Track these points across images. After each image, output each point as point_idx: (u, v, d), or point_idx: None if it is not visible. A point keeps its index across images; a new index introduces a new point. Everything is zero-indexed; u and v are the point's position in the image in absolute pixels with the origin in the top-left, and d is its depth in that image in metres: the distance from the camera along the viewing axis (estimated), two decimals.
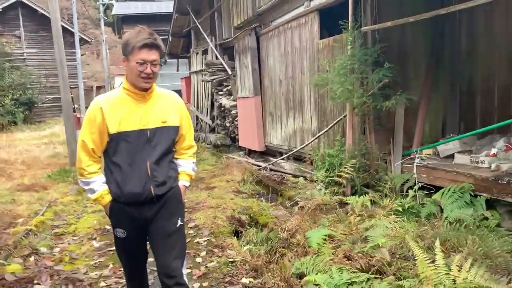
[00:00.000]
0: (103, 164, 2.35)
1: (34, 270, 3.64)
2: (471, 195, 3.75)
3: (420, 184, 4.30)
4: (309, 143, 5.90)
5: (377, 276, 2.80)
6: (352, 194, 4.62)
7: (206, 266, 3.60)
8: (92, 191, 2.28)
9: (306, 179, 5.62)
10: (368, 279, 2.71)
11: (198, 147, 10.42)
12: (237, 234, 4.46)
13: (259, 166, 7.15)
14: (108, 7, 35.02)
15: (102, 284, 3.45)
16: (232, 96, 9.01)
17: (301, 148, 6.18)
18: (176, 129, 2.34)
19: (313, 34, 5.79)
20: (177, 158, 2.47)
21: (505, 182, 3.50)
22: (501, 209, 3.63)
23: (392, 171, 4.68)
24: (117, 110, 2.21)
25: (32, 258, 3.91)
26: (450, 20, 5.17)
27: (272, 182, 5.94)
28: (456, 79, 5.16)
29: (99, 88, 35.01)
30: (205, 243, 4.16)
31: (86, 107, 23.13)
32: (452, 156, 4.47)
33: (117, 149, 2.23)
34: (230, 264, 3.56)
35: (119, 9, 30.95)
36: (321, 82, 4.95)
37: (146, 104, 2.25)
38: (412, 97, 4.52)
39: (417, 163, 4.45)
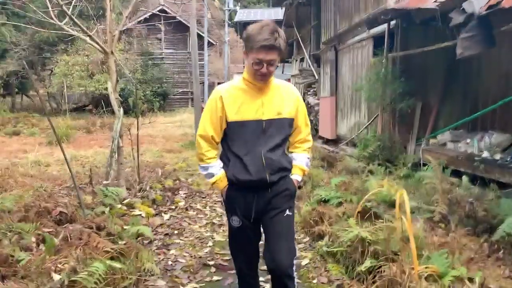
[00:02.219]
0: (220, 150, 2.44)
1: (178, 185, 6.64)
2: (444, 167, 5.74)
3: (422, 161, 6.35)
4: (360, 132, 8.15)
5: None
6: (378, 165, 6.82)
7: None
8: (211, 175, 2.37)
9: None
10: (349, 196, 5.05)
11: None
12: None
13: (328, 150, 9.53)
14: (232, 12, 39.40)
15: (214, 196, 6.25)
16: (317, 96, 11.47)
17: (356, 136, 8.44)
18: (290, 121, 2.37)
19: (369, 54, 8.00)
20: (292, 152, 2.49)
21: (473, 163, 5.37)
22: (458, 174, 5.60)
23: (408, 153, 6.76)
24: (236, 99, 2.28)
25: (177, 181, 6.93)
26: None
27: (331, 159, 8.30)
28: (467, 91, 6.97)
29: (219, 84, 39.68)
30: None
31: None
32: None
33: (234, 137, 2.30)
34: None
35: (241, 15, 34.93)
36: (359, 88, 7.23)
37: (264, 95, 2.29)
38: (416, 101, 6.58)
39: (422, 147, 6.49)
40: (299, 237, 4.45)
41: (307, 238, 4.43)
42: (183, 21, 25.99)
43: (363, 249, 3.53)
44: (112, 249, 3.27)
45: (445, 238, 3.71)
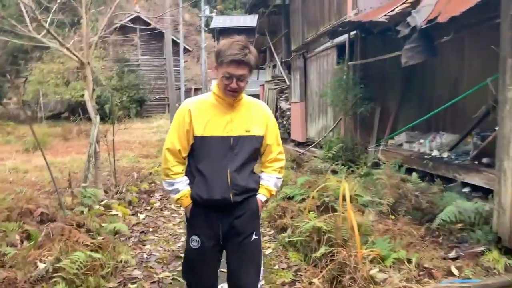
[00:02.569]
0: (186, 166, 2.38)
1: (154, 188, 6.98)
2: (399, 165, 6.26)
3: (380, 161, 6.86)
4: (326, 135, 8.66)
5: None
6: (342, 165, 7.31)
7: None
8: (176, 191, 2.30)
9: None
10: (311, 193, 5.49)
11: None
12: None
13: (299, 152, 10.01)
14: (208, 21, 39.87)
15: None
16: (288, 101, 11.96)
17: (322, 138, 8.95)
18: (259, 139, 2.32)
19: (333, 62, 8.52)
20: (262, 171, 2.44)
21: (423, 161, 5.90)
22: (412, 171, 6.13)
23: (369, 153, 7.28)
24: (204, 113, 2.24)
25: (152, 184, 7.26)
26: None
27: (300, 160, 8.77)
28: (422, 96, 7.55)
29: (196, 90, 39.96)
30: None
31: None
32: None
33: (200, 153, 2.25)
34: None
35: (217, 21, 35.39)
36: (323, 94, 7.73)
37: (233, 112, 2.26)
38: (375, 106, 7.12)
39: (381, 148, 7.01)
40: (264, 231, 4.87)
41: (272, 231, 4.87)
42: (158, 27, 26.32)
43: (318, 238, 3.97)
44: (91, 243, 3.63)
45: (389, 226, 4.18)
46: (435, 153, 5.97)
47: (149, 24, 29.15)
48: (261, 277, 2.43)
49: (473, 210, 4.06)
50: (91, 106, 5.54)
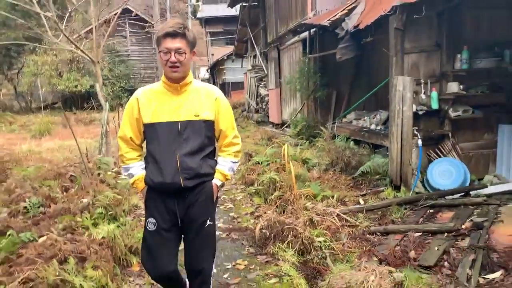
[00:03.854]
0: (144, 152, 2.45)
1: None
2: (347, 138, 7.89)
3: (336, 135, 8.49)
4: (295, 116, 10.28)
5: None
6: (305, 140, 8.94)
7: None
8: (131, 175, 2.39)
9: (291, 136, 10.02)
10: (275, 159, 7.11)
11: (246, 123, 15.20)
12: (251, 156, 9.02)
13: (274, 131, 11.64)
14: (195, 8, 40.96)
15: None
16: (266, 88, 13.53)
17: (291, 119, 10.57)
18: (210, 123, 2.33)
19: (299, 54, 10.09)
20: (218, 155, 2.48)
21: (362, 132, 7.60)
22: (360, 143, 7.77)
23: (326, 129, 8.91)
24: (152, 101, 2.29)
25: None
26: (368, 49, 9.17)
27: (273, 138, 10.39)
28: (369, 81, 9.14)
29: None
30: None
31: None
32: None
33: (151, 139, 2.31)
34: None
35: (204, 11, 36.53)
36: (289, 82, 9.33)
37: (180, 97, 2.28)
38: (330, 91, 8.74)
39: (336, 125, 8.64)
40: (239, 188, 6.49)
41: (243, 186, 6.49)
42: (147, 19, 27.62)
43: (274, 186, 5.59)
44: (113, 191, 5.22)
45: (322, 176, 5.84)
46: (372, 127, 7.61)
47: (137, 15, 30.51)
48: (213, 264, 2.55)
49: (381, 163, 5.72)
50: (101, 95, 7.05)
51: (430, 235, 3.98)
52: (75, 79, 25.01)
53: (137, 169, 2.40)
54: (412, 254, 3.70)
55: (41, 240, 3.81)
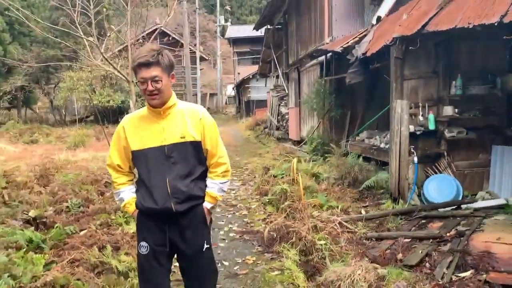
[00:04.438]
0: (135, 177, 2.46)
1: None
2: (358, 155, 8.42)
3: (349, 152, 9.02)
4: (312, 134, 10.87)
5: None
6: (320, 156, 9.51)
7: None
8: (122, 199, 2.41)
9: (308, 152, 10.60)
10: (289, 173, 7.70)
11: (267, 140, 15.85)
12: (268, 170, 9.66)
13: (292, 148, 12.24)
14: (224, 28, 42.45)
15: None
16: (287, 106, 14.20)
17: (309, 138, 11.17)
18: (196, 144, 2.31)
19: (317, 75, 10.73)
20: (208, 178, 2.43)
21: (371, 150, 8.13)
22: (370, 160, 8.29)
23: (340, 147, 9.46)
24: (137, 128, 2.30)
25: None
26: (377, 74, 9.72)
27: (291, 154, 10.99)
28: (381, 103, 9.67)
29: (212, 95, 42.56)
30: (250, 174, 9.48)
31: None
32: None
33: (140, 165, 2.32)
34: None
35: (231, 32, 37.83)
36: (305, 102, 9.95)
37: (165, 120, 2.28)
38: (344, 111, 9.31)
39: (349, 143, 9.18)
40: (254, 198, 7.11)
41: (258, 196, 7.11)
42: (176, 37, 28.96)
43: (285, 196, 6.19)
44: None
45: (330, 188, 6.41)
46: (382, 145, 8.13)
47: (169, 35, 31.95)
48: (216, 280, 2.58)
49: (385, 179, 6.25)
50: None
51: (418, 241, 4.49)
52: (107, 95, 26.30)
53: (127, 193, 2.41)
54: (399, 256, 4.22)
55: (82, 232, 4.54)
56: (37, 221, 4.81)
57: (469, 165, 5.76)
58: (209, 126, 2.37)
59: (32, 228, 4.47)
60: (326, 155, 9.33)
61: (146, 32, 31.30)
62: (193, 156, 2.32)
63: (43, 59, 29.46)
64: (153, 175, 2.27)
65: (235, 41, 36.40)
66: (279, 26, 16.24)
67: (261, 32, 33.01)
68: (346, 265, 4.01)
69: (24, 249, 3.71)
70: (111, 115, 26.74)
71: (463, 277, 3.64)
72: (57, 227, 4.50)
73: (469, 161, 5.77)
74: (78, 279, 3.22)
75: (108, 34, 8.71)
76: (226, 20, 46.13)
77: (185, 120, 2.31)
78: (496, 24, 3.79)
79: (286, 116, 14.10)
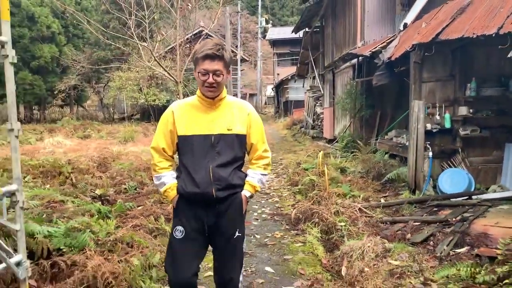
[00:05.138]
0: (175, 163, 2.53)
1: None
2: (385, 152, 8.98)
3: (378, 149, 9.59)
4: (343, 133, 11.47)
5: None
6: (349, 153, 10.13)
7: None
8: (163, 184, 2.45)
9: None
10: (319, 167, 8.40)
11: (303, 138, 16.53)
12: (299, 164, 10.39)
13: (325, 146, 12.87)
14: (265, 29, 43.32)
15: None
16: (322, 106, 14.82)
17: (340, 136, 11.78)
18: (242, 137, 2.42)
19: (350, 77, 11.33)
20: (248, 168, 2.55)
21: (397, 147, 8.68)
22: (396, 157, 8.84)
23: (370, 145, 10.03)
24: (186, 114, 2.38)
25: None
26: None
27: (323, 151, 11.64)
28: (408, 104, 10.15)
29: (251, 95, 43.56)
30: (284, 168, 10.25)
31: None
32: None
33: (184, 150, 2.39)
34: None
35: (272, 33, 38.65)
36: (337, 102, 10.58)
37: (215, 111, 2.38)
38: (374, 111, 9.87)
39: (378, 141, 9.74)
40: (286, 188, 7.86)
41: (289, 186, 7.86)
42: (221, 39, 30.03)
43: (313, 186, 6.91)
44: None
45: (354, 180, 7.07)
46: (407, 143, 8.67)
47: (211, 37, 33.20)
48: (241, 274, 2.65)
49: (405, 172, 6.83)
50: None
51: (426, 224, 5.10)
52: (153, 94, 27.75)
53: (169, 178, 2.45)
54: (408, 236, 4.87)
55: (139, 207, 5.46)
56: (102, 198, 5.80)
57: (482, 161, 6.26)
58: (256, 122, 2.49)
59: (99, 203, 5.44)
60: (355, 151, 9.95)
61: (192, 33, 32.78)
62: (236, 148, 2.41)
63: (95, 59, 31.50)
64: (197, 161, 2.35)
65: (275, 43, 37.21)
66: (316, 29, 16.86)
67: (299, 35, 33.66)
68: (360, 240, 4.71)
69: (96, 217, 4.65)
70: (156, 113, 28.22)
71: (459, 252, 4.25)
72: (119, 202, 5.45)
73: (482, 157, 6.26)
74: (140, 238, 4.10)
75: (159, 39, 9.68)
76: (267, 22, 47.04)
77: (233, 114, 2.42)
78: (493, 35, 4.36)
79: (321, 116, 14.74)
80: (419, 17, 7.71)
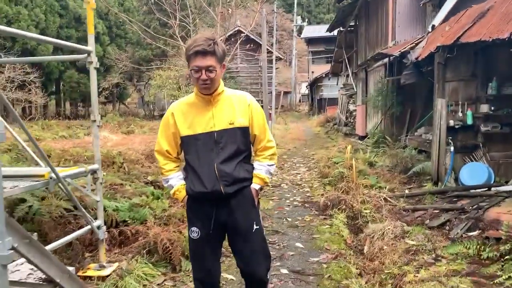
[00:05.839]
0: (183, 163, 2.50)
1: None
2: (414, 148, 9.37)
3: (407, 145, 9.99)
4: (375, 129, 11.89)
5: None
6: (379, 148, 10.56)
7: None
8: (171, 186, 2.46)
9: None
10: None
11: (336, 135, 16.97)
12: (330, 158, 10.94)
13: (357, 142, 13.31)
14: (300, 27, 43.69)
15: None
16: (355, 104, 15.22)
17: (372, 133, 12.20)
18: (244, 130, 2.39)
19: (381, 75, 11.72)
20: (254, 160, 2.52)
21: (425, 143, 9.07)
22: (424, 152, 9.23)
23: (400, 141, 10.43)
24: (187, 114, 2.36)
25: None
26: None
27: (355, 147, 12.11)
28: None
29: (286, 93, 44.06)
30: (316, 163, 10.82)
31: (276, 108, 31.52)
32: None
33: (189, 150, 2.38)
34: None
35: (307, 31, 39.03)
36: (368, 100, 11.01)
37: (214, 107, 2.34)
38: (405, 108, 10.26)
39: (408, 137, 10.13)
40: (316, 179, 8.44)
41: (320, 178, 8.43)
42: (255, 39, 30.79)
43: (342, 177, 7.47)
44: None
45: (381, 173, 7.57)
46: None
47: (248, 36, 33.89)
48: (270, 264, 2.58)
49: (429, 165, 7.27)
50: None
51: (445, 212, 5.58)
52: (191, 92, 28.63)
53: (176, 180, 2.46)
54: (426, 221, 5.38)
55: None
56: (153, 184, 6.59)
57: (504, 156, 6.62)
58: (257, 112, 2.45)
59: (152, 187, 6.22)
60: (384, 147, 10.39)
61: (229, 33, 33.66)
62: (240, 141, 2.38)
63: (136, 58, 32.94)
64: (202, 160, 2.34)
65: (310, 41, 37.59)
66: (350, 29, 17.23)
67: (334, 34, 33.83)
68: (381, 224, 5.27)
69: (151, 197, 5.42)
70: None
71: (471, 235, 4.73)
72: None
73: (503, 152, 6.63)
74: None
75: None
76: (303, 19, 47.32)
77: (234, 107, 2.38)
78: (506, 39, 4.80)
79: (354, 113, 15.16)
80: (446, 19, 8.08)
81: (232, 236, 2.48)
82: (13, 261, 1.81)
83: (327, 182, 7.86)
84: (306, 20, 52.14)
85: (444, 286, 3.55)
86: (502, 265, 3.83)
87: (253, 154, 2.57)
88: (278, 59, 35.74)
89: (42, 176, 2.90)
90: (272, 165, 2.53)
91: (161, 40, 26.23)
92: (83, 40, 29.14)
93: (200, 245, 2.44)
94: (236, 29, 31.85)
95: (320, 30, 36.97)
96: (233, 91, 2.48)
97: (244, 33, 33.35)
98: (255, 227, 2.45)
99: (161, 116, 31.53)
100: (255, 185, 2.46)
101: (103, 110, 37.02)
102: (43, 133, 16.72)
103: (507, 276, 3.60)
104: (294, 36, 41.46)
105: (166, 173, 2.48)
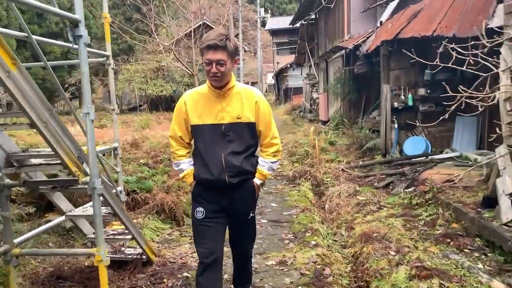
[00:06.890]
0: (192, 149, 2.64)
1: None
2: (369, 128, 10.72)
3: (363, 127, 11.34)
4: (335, 114, 13.23)
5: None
6: (339, 130, 11.89)
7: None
8: (181, 170, 2.61)
9: None
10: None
11: (301, 122, 18.32)
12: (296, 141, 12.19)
13: (321, 127, 14.65)
14: (264, 19, 44.64)
15: None
16: (318, 92, 16.56)
17: (332, 117, 13.55)
18: (251, 125, 2.49)
19: (340, 65, 13.04)
20: (259, 156, 2.64)
21: (377, 124, 10.47)
22: (375, 132, 10.62)
23: (357, 123, 11.79)
24: (198, 104, 2.47)
25: None
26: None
27: (318, 130, 13.42)
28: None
29: (253, 84, 45.13)
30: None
31: None
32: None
33: (198, 139, 2.50)
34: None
35: (271, 23, 40.14)
36: (329, 87, 12.33)
37: (224, 101, 2.44)
38: (360, 95, 11.62)
39: (364, 120, 11.50)
40: (286, 158, 9.66)
41: (289, 157, 9.65)
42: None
43: (307, 155, 8.71)
44: None
45: (338, 149, 8.88)
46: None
47: (211, 27, 34.69)
48: (254, 243, 2.92)
49: (379, 142, 8.62)
50: None
51: (389, 176, 6.91)
52: (160, 85, 29.36)
53: (186, 165, 2.60)
54: (375, 184, 6.68)
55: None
56: (146, 165, 7.60)
57: (438, 131, 8.03)
58: (264, 108, 2.53)
59: (147, 168, 7.24)
60: (343, 128, 11.75)
61: (193, 27, 34.34)
62: (247, 136, 2.49)
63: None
64: (209, 150, 2.45)
65: (274, 32, 38.76)
66: (311, 22, 18.49)
67: (297, 26, 34.97)
68: (338, 186, 6.53)
69: (150, 173, 6.45)
70: (164, 103, 29.95)
71: (408, 191, 6.06)
72: (160, 167, 7.26)
73: (438, 127, 8.03)
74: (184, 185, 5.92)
75: (164, 32, 11.35)
76: (266, 11, 48.22)
77: (242, 102, 2.47)
78: (430, 36, 6.11)
79: (317, 101, 16.51)
80: (392, 15, 9.42)
81: (232, 219, 2.67)
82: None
83: (295, 160, 9.09)
84: (269, 11, 53.08)
85: (383, 224, 4.82)
86: (426, 208, 5.15)
87: (259, 147, 2.69)
88: (244, 50, 36.73)
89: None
90: (275, 162, 2.66)
91: (127, 34, 26.69)
92: (46, 36, 29.17)
93: (204, 224, 2.54)
94: (201, 21, 32.41)
95: (283, 22, 38.15)
96: (243, 86, 2.57)
97: (208, 25, 34.16)
98: (251, 215, 2.70)
99: (129, 110, 31.94)
100: (257, 180, 2.60)
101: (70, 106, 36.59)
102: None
103: (427, 214, 4.93)
104: (258, 28, 42.44)
105: (178, 157, 2.62)
